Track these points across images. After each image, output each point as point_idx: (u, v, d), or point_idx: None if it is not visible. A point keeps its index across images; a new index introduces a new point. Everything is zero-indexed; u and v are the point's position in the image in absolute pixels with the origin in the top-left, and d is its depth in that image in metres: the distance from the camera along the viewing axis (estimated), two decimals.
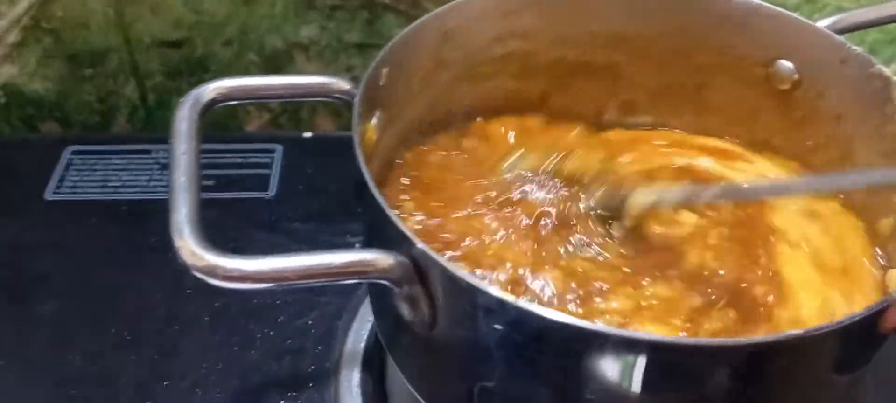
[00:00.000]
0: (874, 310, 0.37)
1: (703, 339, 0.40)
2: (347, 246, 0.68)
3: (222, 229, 0.69)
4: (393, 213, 0.39)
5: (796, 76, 0.54)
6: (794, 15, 0.52)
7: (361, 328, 0.62)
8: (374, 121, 0.49)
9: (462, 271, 0.37)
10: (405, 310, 0.40)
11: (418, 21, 0.52)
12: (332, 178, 0.75)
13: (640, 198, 0.48)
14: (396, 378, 0.57)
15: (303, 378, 0.59)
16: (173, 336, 0.62)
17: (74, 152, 0.77)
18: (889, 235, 0.47)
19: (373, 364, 0.59)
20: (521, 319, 0.36)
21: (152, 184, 0.74)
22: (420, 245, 0.38)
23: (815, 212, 0.50)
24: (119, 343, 0.61)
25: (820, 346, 0.38)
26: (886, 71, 0.48)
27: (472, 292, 0.36)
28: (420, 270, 0.38)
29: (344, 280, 0.39)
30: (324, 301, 0.64)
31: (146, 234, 0.69)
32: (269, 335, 0.62)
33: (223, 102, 0.45)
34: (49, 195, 0.73)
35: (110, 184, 0.74)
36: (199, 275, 0.36)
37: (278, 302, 0.64)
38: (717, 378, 0.36)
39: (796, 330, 0.35)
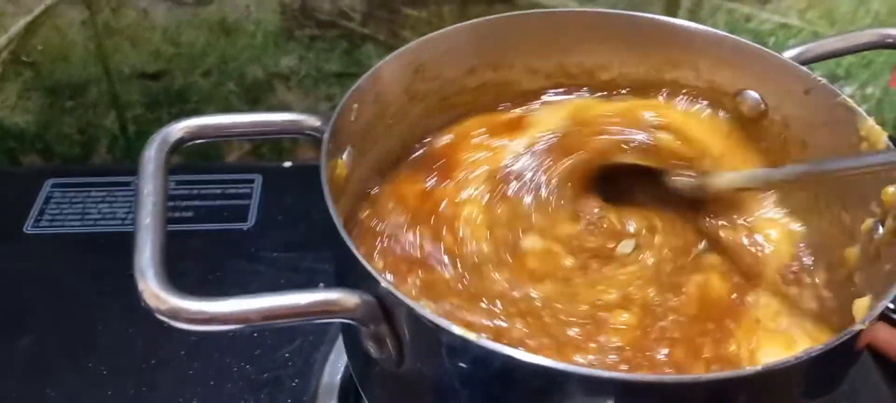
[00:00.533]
0: (836, 343, 0.37)
1: (667, 376, 0.40)
2: (328, 275, 0.68)
3: (202, 260, 0.69)
4: (358, 252, 0.39)
5: (762, 106, 0.54)
6: (759, 46, 0.53)
7: (338, 360, 0.62)
8: (344, 156, 0.49)
9: (426, 310, 0.37)
10: (372, 348, 0.40)
11: (390, 56, 0.53)
12: (312, 208, 0.74)
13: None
14: None
15: None
16: (150, 370, 0.62)
17: (54, 185, 0.77)
18: (855, 265, 0.48)
19: (349, 397, 0.59)
20: (485, 357, 0.36)
21: (130, 217, 0.73)
22: (385, 284, 0.38)
23: None
24: (96, 378, 0.61)
25: (785, 379, 0.38)
26: (850, 101, 0.48)
27: (435, 331, 0.37)
28: (386, 309, 0.39)
29: (310, 320, 0.39)
30: (301, 334, 0.64)
31: (124, 267, 0.67)
32: (246, 368, 0.62)
33: (191, 141, 0.45)
34: (28, 228, 0.73)
35: (89, 216, 0.74)
36: (162, 319, 0.36)
37: (255, 334, 0.64)
38: None
39: (758, 366, 0.36)
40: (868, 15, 0.79)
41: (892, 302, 0.40)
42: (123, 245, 0.70)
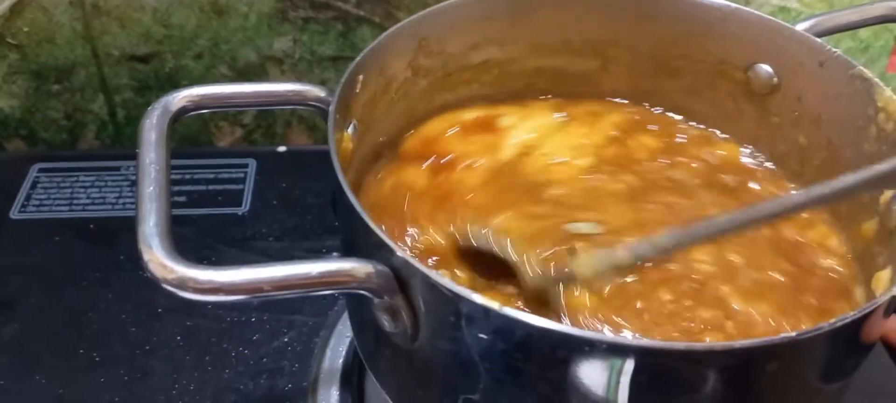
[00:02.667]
0: (865, 312, 0.36)
1: (691, 343, 0.39)
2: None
3: (195, 246, 0.67)
4: (371, 221, 0.38)
5: (775, 80, 0.53)
6: (772, 18, 0.52)
7: (339, 345, 0.60)
8: (349, 130, 0.48)
9: (445, 279, 0.35)
10: (386, 322, 0.39)
11: (394, 28, 0.51)
12: (306, 192, 0.74)
13: (584, 267, 0.42)
14: (376, 394, 0.56)
15: (279, 397, 0.57)
16: (144, 356, 0.60)
17: (41, 170, 0.74)
18: (873, 237, 0.47)
19: (351, 381, 0.57)
20: (507, 326, 0.35)
21: (121, 201, 0.72)
22: (400, 253, 0.37)
23: None
24: (87, 364, 0.59)
25: (810, 350, 0.37)
26: (867, 72, 0.48)
27: (455, 300, 0.35)
28: (401, 279, 0.37)
29: (321, 290, 0.37)
30: (300, 319, 0.62)
31: (115, 253, 0.67)
32: (244, 353, 0.60)
33: (194, 111, 0.43)
34: (14, 214, 0.70)
35: (78, 201, 0.72)
36: (169, 288, 0.35)
37: (253, 319, 0.62)
38: (707, 382, 0.35)
39: (790, 333, 0.34)
40: None
41: None
42: (114, 230, 0.70)
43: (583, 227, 0.46)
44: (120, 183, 0.73)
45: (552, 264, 0.42)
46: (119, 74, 0.78)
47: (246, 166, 0.76)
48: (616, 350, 0.34)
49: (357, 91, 0.48)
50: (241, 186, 0.74)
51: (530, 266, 0.43)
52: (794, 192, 0.50)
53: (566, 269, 0.42)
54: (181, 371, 0.59)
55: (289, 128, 0.83)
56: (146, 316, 0.62)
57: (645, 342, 0.36)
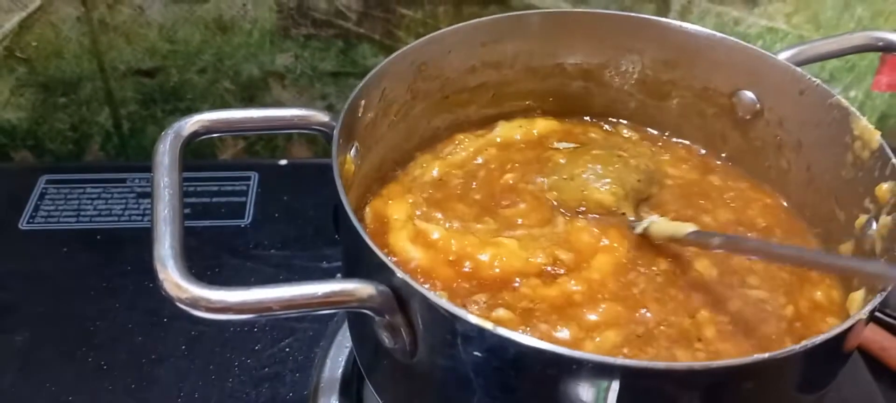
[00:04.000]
0: (839, 332, 0.38)
1: (672, 363, 0.41)
2: (323, 271, 0.69)
3: (199, 257, 0.69)
4: (373, 243, 0.40)
5: (758, 106, 0.56)
6: (756, 48, 0.54)
7: (339, 355, 0.62)
8: (352, 153, 0.50)
9: (442, 300, 0.38)
10: (386, 338, 0.41)
11: (394, 54, 0.53)
12: (307, 205, 0.76)
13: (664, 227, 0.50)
14: None
15: None
16: (149, 364, 0.62)
17: (49, 181, 0.77)
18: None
19: (350, 390, 0.60)
20: (500, 345, 0.37)
21: (127, 212, 0.74)
22: (400, 274, 0.39)
23: None
24: (95, 372, 0.61)
25: (784, 369, 0.39)
26: (844, 101, 0.50)
27: (451, 320, 0.38)
28: (400, 299, 0.39)
29: (326, 309, 0.39)
30: (300, 329, 0.65)
31: (122, 263, 0.69)
32: (247, 363, 0.62)
33: (204, 135, 0.45)
34: (23, 224, 0.72)
35: (85, 212, 0.74)
36: (183, 307, 0.37)
37: (256, 330, 0.64)
38: (689, 399, 0.37)
39: (763, 354, 0.37)
40: (852, 19, 0.81)
41: (882, 303, 0.41)
42: (121, 241, 0.72)
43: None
44: (126, 194, 0.75)
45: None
46: (125, 88, 0.80)
47: (248, 179, 0.78)
48: (602, 370, 0.36)
49: (359, 115, 0.50)
50: (243, 198, 0.76)
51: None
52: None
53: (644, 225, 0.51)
54: (186, 379, 0.61)
55: (290, 141, 0.85)
56: (152, 325, 0.64)
57: (629, 361, 0.39)
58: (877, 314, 0.67)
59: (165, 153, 0.43)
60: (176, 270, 0.38)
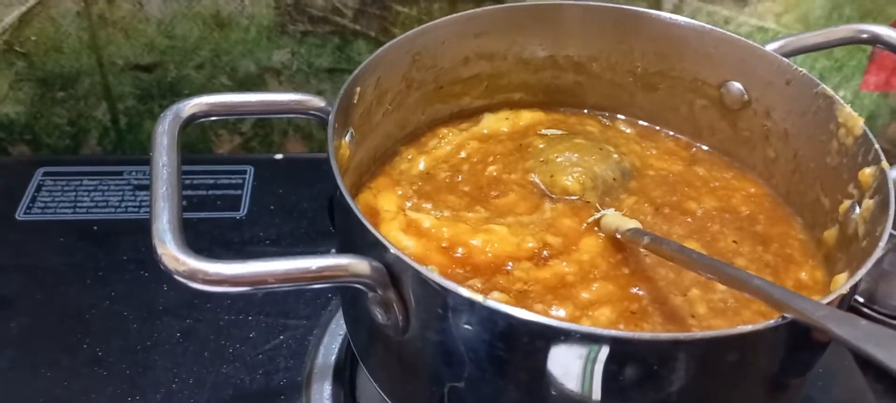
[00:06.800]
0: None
1: (658, 333, 0.42)
2: None
3: (194, 248, 0.69)
4: (366, 220, 0.41)
5: (746, 97, 0.57)
6: (744, 39, 0.56)
7: (332, 342, 0.63)
8: (347, 138, 0.51)
9: (434, 274, 0.39)
10: (379, 314, 0.42)
11: (389, 43, 0.54)
12: (302, 198, 0.77)
13: (612, 220, 0.51)
14: (368, 389, 0.59)
15: (274, 392, 0.60)
16: (145, 352, 0.62)
17: (46, 174, 0.77)
18: (834, 244, 0.50)
19: (343, 376, 0.60)
20: (490, 318, 0.38)
21: (124, 204, 0.74)
22: (393, 250, 0.40)
23: None
24: (90, 359, 0.62)
25: (768, 342, 0.40)
26: (829, 90, 0.51)
27: (443, 293, 0.38)
28: (393, 274, 0.40)
29: (320, 283, 0.40)
30: (294, 318, 0.65)
31: (118, 254, 0.70)
32: (241, 350, 0.63)
33: (202, 118, 0.46)
34: (20, 215, 0.73)
35: (81, 204, 0.74)
36: (180, 279, 0.38)
37: (250, 318, 0.65)
38: (674, 369, 0.38)
39: (752, 325, 0.38)
40: (841, 19, 0.82)
41: (870, 300, 0.41)
42: (117, 232, 0.72)
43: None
44: (123, 187, 0.76)
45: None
46: (123, 83, 0.81)
47: (244, 173, 0.79)
48: (589, 339, 0.37)
49: (354, 102, 0.51)
50: (239, 192, 0.77)
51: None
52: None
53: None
54: (180, 366, 0.61)
55: (285, 136, 0.86)
56: (147, 315, 0.65)
57: (618, 332, 0.40)
58: (867, 310, 0.68)
59: (164, 134, 0.44)
60: (174, 244, 0.39)
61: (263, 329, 0.65)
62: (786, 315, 0.37)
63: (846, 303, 0.42)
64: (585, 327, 0.37)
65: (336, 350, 0.62)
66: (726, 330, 0.38)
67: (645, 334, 0.39)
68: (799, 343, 0.42)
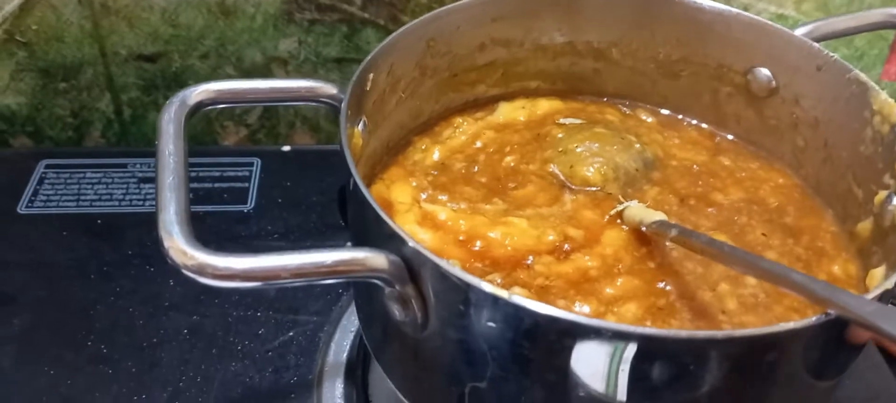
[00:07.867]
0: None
1: (694, 331, 0.40)
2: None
3: (203, 240, 0.68)
4: (383, 212, 0.39)
5: (773, 83, 0.55)
6: (772, 23, 0.53)
7: (343, 339, 0.61)
8: (360, 126, 0.49)
9: (455, 268, 0.37)
10: (396, 311, 0.40)
11: (403, 28, 0.52)
12: (310, 191, 0.75)
13: (636, 213, 0.49)
14: (381, 386, 0.57)
15: (285, 390, 0.58)
16: (151, 349, 0.61)
17: (48, 166, 0.75)
18: (868, 237, 0.48)
19: (355, 374, 0.58)
20: (515, 315, 0.36)
21: (128, 197, 0.73)
22: (412, 243, 0.38)
23: None
24: (95, 356, 0.60)
25: (807, 341, 0.38)
26: (863, 76, 0.49)
27: (465, 289, 0.36)
28: (411, 269, 0.38)
29: (335, 279, 0.38)
30: (304, 315, 0.63)
31: (122, 248, 0.68)
32: (250, 347, 0.61)
33: (210, 105, 0.44)
34: (22, 209, 0.71)
35: (85, 197, 0.73)
36: (188, 274, 0.36)
37: (259, 314, 0.63)
38: (708, 369, 0.36)
39: (789, 323, 0.36)
40: (862, 6, 0.80)
41: None
42: (122, 226, 0.70)
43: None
44: (127, 180, 0.74)
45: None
46: (126, 73, 0.79)
47: (251, 165, 0.77)
48: (620, 337, 0.35)
49: (367, 89, 0.49)
50: (246, 185, 0.75)
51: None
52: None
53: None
54: (188, 363, 0.60)
55: (292, 128, 0.84)
56: (153, 310, 0.63)
57: (649, 330, 0.38)
58: None
59: (170, 122, 0.42)
60: (181, 237, 0.37)
61: (273, 325, 0.63)
62: (830, 311, 0.35)
63: (887, 299, 0.40)
64: (619, 325, 0.35)
65: (348, 347, 0.60)
66: (766, 327, 0.36)
67: (682, 332, 0.37)
68: (836, 341, 0.40)
